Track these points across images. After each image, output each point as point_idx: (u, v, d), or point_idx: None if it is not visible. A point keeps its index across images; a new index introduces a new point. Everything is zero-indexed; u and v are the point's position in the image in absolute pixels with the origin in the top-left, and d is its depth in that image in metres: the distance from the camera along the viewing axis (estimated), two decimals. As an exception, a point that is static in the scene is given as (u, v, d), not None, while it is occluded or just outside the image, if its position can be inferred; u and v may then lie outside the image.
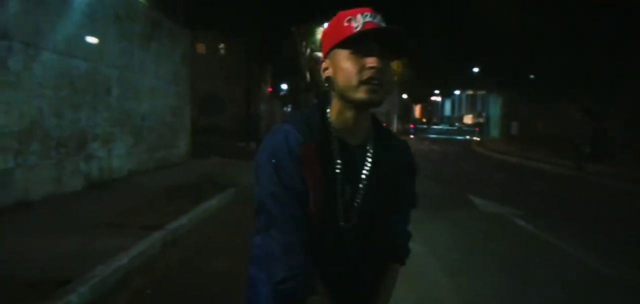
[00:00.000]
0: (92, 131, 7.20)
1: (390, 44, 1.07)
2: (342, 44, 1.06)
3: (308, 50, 27.10)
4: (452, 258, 4.94)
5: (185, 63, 11.42)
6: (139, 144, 8.92)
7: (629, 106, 14.95)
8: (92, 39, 7.07)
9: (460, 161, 17.22)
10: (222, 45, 21.23)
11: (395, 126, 45.07)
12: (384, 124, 1.25)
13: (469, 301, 3.76)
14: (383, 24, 1.06)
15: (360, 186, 1.12)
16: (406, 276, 1.48)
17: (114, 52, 7.79)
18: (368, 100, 1.06)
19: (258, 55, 18.69)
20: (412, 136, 37.18)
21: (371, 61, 1.04)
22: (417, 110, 61.61)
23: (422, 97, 49.88)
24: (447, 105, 56.30)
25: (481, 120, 38.70)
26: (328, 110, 1.14)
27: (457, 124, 45.05)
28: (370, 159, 1.14)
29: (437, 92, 48.19)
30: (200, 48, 21.10)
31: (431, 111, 60.02)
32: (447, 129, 41.54)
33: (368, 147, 1.15)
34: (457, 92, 47.55)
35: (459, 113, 50.17)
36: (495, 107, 33.82)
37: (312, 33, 25.72)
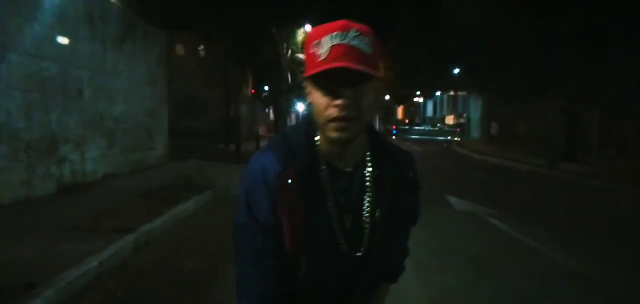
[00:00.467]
0: (64, 134, 7.08)
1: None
2: (309, 78, 0.96)
3: (289, 52, 27.09)
4: (423, 255, 5.02)
5: (162, 64, 11.31)
6: (114, 147, 8.80)
7: (604, 103, 15.33)
8: (62, 40, 6.96)
9: (440, 162, 17.44)
10: (201, 47, 21.05)
11: (377, 127, 45.28)
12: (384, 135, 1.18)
13: (435, 295, 3.84)
14: (355, 42, 0.92)
15: (364, 213, 1.05)
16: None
17: (85, 53, 7.68)
18: (336, 139, 0.96)
19: (238, 57, 18.61)
20: (393, 137, 37.49)
21: (336, 102, 0.93)
22: (399, 111, 62.16)
23: (404, 98, 50.37)
24: (429, 106, 56.95)
25: (462, 121, 39.25)
26: (318, 131, 1.03)
27: (438, 125, 45.60)
28: (368, 183, 1.05)
29: (418, 93, 48.67)
30: (179, 49, 20.90)
31: (413, 111, 60.62)
32: (429, 130, 42.01)
33: (366, 170, 1.06)
34: (438, 93, 48.13)
35: (441, 114, 50.79)
36: (475, 108, 34.32)
37: (293, 35, 25.71)
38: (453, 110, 45.65)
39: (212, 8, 14.51)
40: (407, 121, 53.43)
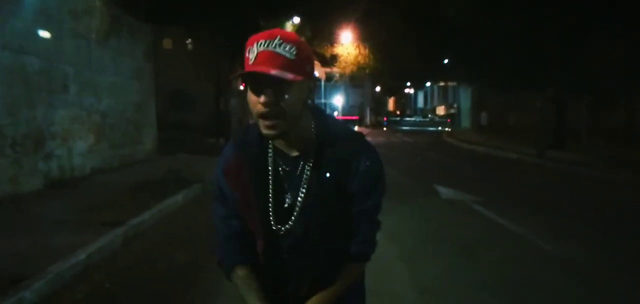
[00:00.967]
0: (50, 129, 7.03)
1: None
2: (241, 78, 1.11)
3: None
4: (410, 243, 5.10)
5: (149, 59, 11.23)
6: (101, 142, 8.75)
7: (591, 93, 15.52)
8: (45, 35, 6.88)
9: (430, 152, 17.57)
10: (189, 41, 20.89)
11: (368, 119, 45.48)
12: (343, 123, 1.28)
13: (420, 281, 3.90)
14: (279, 49, 1.06)
15: (301, 193, 1.18)
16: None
17: (70, 48, 7.61)
18: (266, 134, 1.11)
19: (227, 50, 18.49)
20: (384, 128, 37.60)
21: (259, 103, 1.07)
22: (390, 102, 62.28)
23: (394, 89, 50.47)
24: (420, 97, 57.13)
25: (453, 111, 39.46)
26: None
27: (429, 115, 45.82)
28: (309, 167, 1.17)
29: (408, 84, 48.79)
30: (167, 43, 20.72)
31: (405, 103, 60.79)
32: (420, 121, 42.22)
33: (309, 155, 1.18)
34: (428, 84, 48.29)
35: (432, 105, 50.99)
36: (465, 99, 34.53)
37: (281, 27, 25.66)
38: (444, 101, 45.86)
39: (199, 1, 14.39)
40: (398, 112, 53.59)
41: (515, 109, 23.32)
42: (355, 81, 34.66)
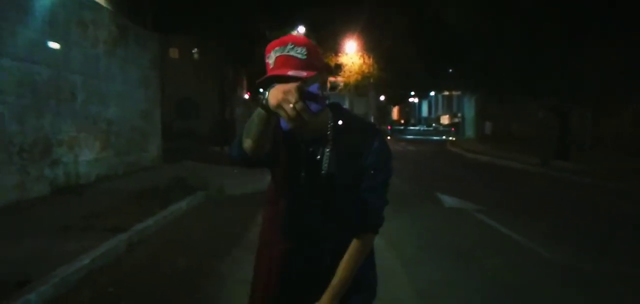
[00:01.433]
0: (57, 137, 7.15)
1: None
2: (264, 81, 1.28)
3: (283, 54, 27.18)
4: (411, 249, 5.14)
5: (155, 67, 11.38)
6: (107, 149, 8.87)
7: (595, 101, 15.47)
8: (54, 45, 7.03)
9: (433, 160, 17.56)
10: (195, 50, 21.11)
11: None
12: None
13: (421, 287, 3.94)
14: (292, 53, 1.27)
15: (323, 171, 1.38)
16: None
17: (78, 57, 7.75)
18: (290, 127, 1.25)
19: (232, 60, 18.69)
20: (388, 137, 37.57)
21: None
22: (394, 111, 62.28)
23: (399, 98, 50.47)
24: (425, 106, 57.10)
25: (457, 120, 39.38)
26: None
27: (434, 124, 45.73)
28: (328, 149, 1.39)
29: (413, 93, 48.82)
30: (173, 52, 20.94)
31: (409, 112, 60.77)
32: (424, 130, 42.10)
33: (328, 138, 1.39)
34: (432, 93, 48.28)
35: (436, 114, 50.92)
36: (469, 108, 34.47)
37: (287, 36, 25.82)
38: (448, 110, 45.80)
39: (205, 11, 14.58)
40: (402, 121, 53.49)
41: (518, 118, 23.29)
42: (359, 90, 34.71)
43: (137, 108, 10.40)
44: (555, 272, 4.43)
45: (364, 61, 25.77)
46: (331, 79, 32.46)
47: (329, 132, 1.40)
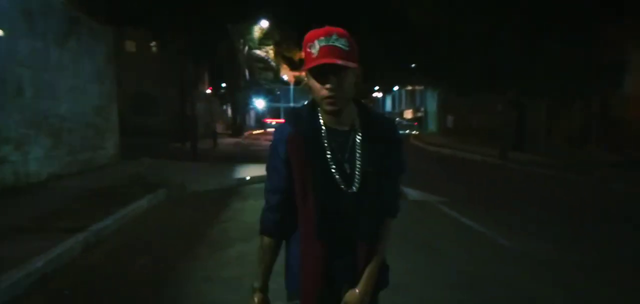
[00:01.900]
0: (3, 134, 6.70)
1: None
2: (309, 70, 1.35)
3: (246, 49, 26.75)
4: (376, 243, 5.15)
5: (110, 61, 10.89)
6: (60, 147, 8.40)
7: (548, 96, 16.14)
8: (-2, 35, 6.57)
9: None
10: (153, 43, 20.36)
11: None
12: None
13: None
14: (337, 43, 1.31)
15: (357, 160, 1.42)
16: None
17: (25, 50, 7.28)
18: (329, 111, 1.38)
19: (193, 53, 18.16)
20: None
21: (324, 89, 1.34)
22: (359, 106, 62.63)
23: (363, 93, 50.90)
24: (388, 101, 57.94)
25: (420, 114, 40.21)
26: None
27: (397, 119, 46.51)
28: (359, 139, 1.43)
29: (377, 88, 49.42)
30: (130, 46, 20.11)
31: (373, 106, 61.47)
32: (388, 124, 42.60)
33: (357, 131, 1.44)
34: (396, 88, 49.05)
35: (400, 108, 51.80)
36: (432, 102, 35.29)
37: (249, 31, 25.39)
38: (411, 104, 46.69)
39: (163, 2, 14.05)
40: (366, 116, 53.97)
41: (478, 112, 24.03)
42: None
43: (92, 104, 9.93)
44: (516, 260, 4.56)
45: (328, 56, 25.73)
46: (296, 73, 32.31)
47: (358, 127, 1.46)
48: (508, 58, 13.36)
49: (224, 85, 25.67)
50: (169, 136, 17.98)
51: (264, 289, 1.54)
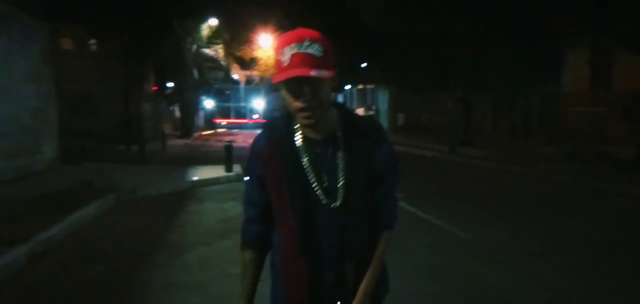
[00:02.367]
0: None
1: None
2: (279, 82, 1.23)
3: (194, 47, 25.94)
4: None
5: (47, 60, 10.12)
6: (-9, 153, 7.68)
7: (493, 93, 16.99)
8: None
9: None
10: (93, 41, 19.17)
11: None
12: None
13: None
14: (309, 50, 1.18)
15: (340, 171, 1.29)
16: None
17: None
18: (304, 125, 1.29)
19: (136, 52, 17.30)
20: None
21: (298, 101, 1.23)
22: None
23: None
24: (340, 99, 58.52)
25: (371, 112, 40.90)
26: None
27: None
28: (340, 147, 1.31)
29: (327, 87, 49.79)
30: (66, 44, 18.80)
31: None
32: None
33: (337, 137, 1.32)
34: (348, 87, 49.62)
35: (351, 106, 52.41)
36: (383, 100, 36.01)
37: (198, 29, 24.64)
38: (363, 103, 47.35)
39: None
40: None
41: (428, 110, 24.84)
42: (276, 84, 34.45)
43: (27, 105, 9.17)
44: (472, 250, 4.74)
45: (279, 55, 25.51)
46: (246, 73, 31.79)
47: (339, 134, 1.33)
48: (457, 58, 13.89)
49: (171, 85, 24.72)
50: (112, 139, 17.00)
51: None
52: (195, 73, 24.53)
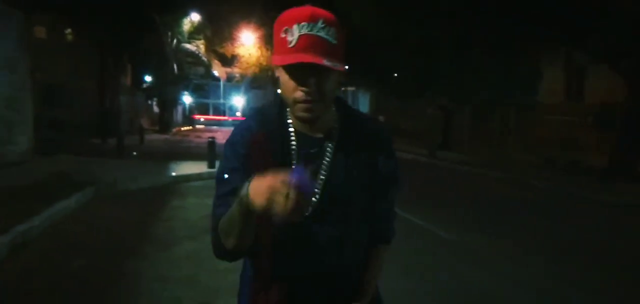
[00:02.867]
0: None
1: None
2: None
3: (174, 41, 25.51)
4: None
5: (22, 48, 9.80)
6: (-38, 141, 7.39)
7: (473, 101, 17.44)
8: None
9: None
10: (68, 30, 18.59)
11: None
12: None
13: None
14: (321, 33, 0.99)
15: (321, 174, 1.09)
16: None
17: None
18: (301, 118, 1.07)
19: (114, 43, 16.90)
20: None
21: (300, 90, 1.02)
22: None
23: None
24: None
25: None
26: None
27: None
28: (330, 149, 1.11)
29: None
30: (40, 32, 18.17)
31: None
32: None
33: (334, 138, 1.12)
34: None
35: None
36: (364, 104, 36.33)
37: (178, 23, 24.25)
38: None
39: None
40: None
41: (406, 116, 25.27)
42: (257, 82, 34.19)
43: (1, 94, 8.86)
44: (452, 250, 4.89)
45: (261, 53, 25.40)
46: (227, 70, 31.49)
47: (336, 134, 1.14)
48: (441, 68, 14.26)
49: (148, 79, 24.26)
50: (86, 131, 16.55)
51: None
52: (175, 68, 24.11)
